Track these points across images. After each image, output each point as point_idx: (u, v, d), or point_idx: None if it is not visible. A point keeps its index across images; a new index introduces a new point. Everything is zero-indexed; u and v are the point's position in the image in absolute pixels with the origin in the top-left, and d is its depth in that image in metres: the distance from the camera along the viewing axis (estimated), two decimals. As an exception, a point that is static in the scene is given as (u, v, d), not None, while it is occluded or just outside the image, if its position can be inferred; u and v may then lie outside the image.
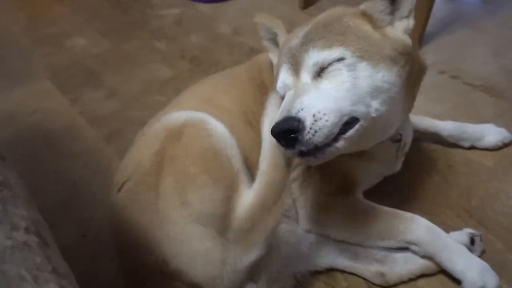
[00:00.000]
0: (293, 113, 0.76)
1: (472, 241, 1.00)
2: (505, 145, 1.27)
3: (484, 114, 1.37)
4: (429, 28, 1.73)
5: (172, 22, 2.08)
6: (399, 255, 0.99)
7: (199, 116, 0.91)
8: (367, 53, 0.80)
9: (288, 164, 0.87)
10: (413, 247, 0.97)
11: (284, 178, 0.87)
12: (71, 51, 1.94)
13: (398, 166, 1.08)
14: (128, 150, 1.04)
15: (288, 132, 0.75)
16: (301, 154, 0.79)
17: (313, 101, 0.77)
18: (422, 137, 1.28)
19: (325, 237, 1.01)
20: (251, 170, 0.97)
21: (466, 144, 1.27)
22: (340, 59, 0.79)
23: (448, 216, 1.11)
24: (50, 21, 2.21)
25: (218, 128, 0.89)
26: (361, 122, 0.81)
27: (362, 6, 0.86)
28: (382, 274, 0.97)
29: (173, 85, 1.67)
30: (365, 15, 0.85)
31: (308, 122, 0.75)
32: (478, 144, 1.27)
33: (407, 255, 0.99)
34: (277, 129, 0.76)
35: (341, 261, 1.00)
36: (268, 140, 0.88)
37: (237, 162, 0.87)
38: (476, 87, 1.51)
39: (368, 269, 0.98)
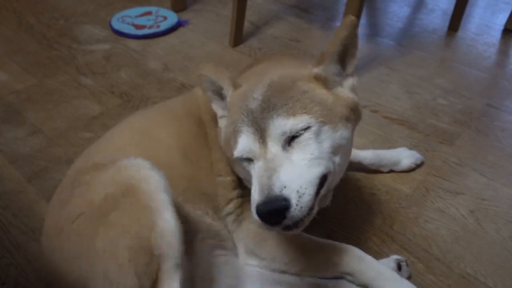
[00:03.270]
0: (277, 191, 0.77)
1: (399, 267, 1.06)
2: (417, 166, 1.41)
3: (401, 145, 1.48)
4: (349, 66, 1.86)
5: (100, 57, 2.04)
6: (331, 284, 1.02)
7: (157, 194, 0.83)
8: (327, 117, 0.85)
9: None
10: (348, 277, 1.01)
11: None
12: (-10, 86, 1.84)
13: (328, 200, 1.13)
14: (59, 187, 0.99)
15: (276, 212, 0.76)
16: (286, 228, 0.80)
17: (292, 177, 0.79)
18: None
19: (262, 268, 1.03)
20: (187, 205, 0.97)
21: (385, 169, 1.38)
22: (307, 128, 0.83)
23: (374, 242, 1.17)
24: (-34, 55, 2.09)
25: (165, 220, 0.81)
26: (328, 179, 0.87)
27: (316, 70, 0.90)
28: None
29: (101, 121, 1.63)
30: (318, 78, 0.90)
31: (293, 200, 0.77)
32: (395, 168, 1.39)
33: (340, 283, 1.02)
34: (265, 211, 0.76)
35: None
36: None
37: (167, 263, 0.81)
38: (393, 120, 1.64)
39: None
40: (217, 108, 1.01)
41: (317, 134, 0.84)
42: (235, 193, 1.03)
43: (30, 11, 2.46)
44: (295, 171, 0.80)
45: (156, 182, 0.85)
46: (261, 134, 0.84)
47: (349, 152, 0.96)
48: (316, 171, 0.82)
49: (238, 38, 2.12)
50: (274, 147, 0.83)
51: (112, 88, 1.83)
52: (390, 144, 1.50)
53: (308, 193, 0.79)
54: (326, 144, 0.85)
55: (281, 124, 0.83)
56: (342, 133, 0.87)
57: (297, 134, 0.83)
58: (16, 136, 1.56)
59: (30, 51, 2.10)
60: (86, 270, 0.81)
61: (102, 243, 0.80)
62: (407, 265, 1.07)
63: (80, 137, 1.55)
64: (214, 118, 1.04)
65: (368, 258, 1.01)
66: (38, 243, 1.11)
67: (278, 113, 0.83)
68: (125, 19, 2.32)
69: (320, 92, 0.88)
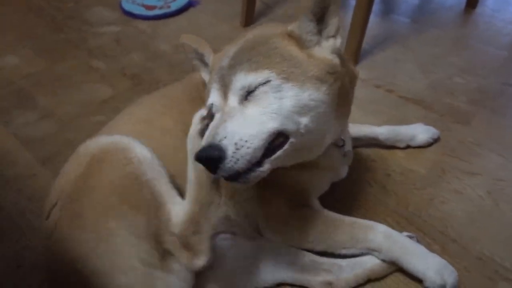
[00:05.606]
0: (217, 140, 0.77)
1: None
2: (434, 141, 1.39)
3: (417, 125, 1.45)
4: (364, 45, 1.82)
5: (111, 40, 2.03)
6: (345, 263, 1.02)
7: (121, 142, 0.90)
8: (292, 75, 0.82)
9: (214, 182, 0.88)
10: (374, 254, 1.01)
11: (209, 195, 0.87)
12: (2, 71, 1.84)
13: (344, 172, 1.12)
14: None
15: (210, 159, 0.76)
16: (225, 178, 0.80)
17: (236, 128, 0.78)
18: (362, 143, 1.35)
19: (286, 247, 1.03)
20: None
21: (402, 144, 1.36)
22: (266, 82, 0.81)
23: (388, 223, 1.16)
24: (-22, 40, 2.09)
25: (138, 152, 0.88)
26: (291, 140, 0.84)
27: (290, 27, 0.88)
28: (329, 283, 0.99)
29: (113, 104, 1.63)
30: (292, 36, 0.87)
31: (229, 151, 0.76)
32: (412, 143, 1.37)
33: (353, 261, 1.02)
34: (199, 156, 0.77)
35: (289, 275, 1.01)
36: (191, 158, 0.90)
37: (160, 182, 0.87)
38: (408, 100, 1.60)
39: (316, 279, 1.00)
40: (205, 75, 1.03)
41: (277, 89, 0.81)
42: None
43: (40, -6, 2.44)
44: (241, 123, 0.79)
45: (130, 140, 0.91)
46: (225, 89, 0.85)
47: (324, 116, 0.88)
48: (267, 126, 0.80)
49: (249, 18, 2.09)
50: (232, 100, 0.83)
51: (123, 71, 1.82)
52: (405, 124, 1.46)
53: (248, 146, 0.77)
54: (289, 102, 0.81)
55: (241, 78, 0.82)
56: (310, 94, 0.83)
57: (255, 89, 0.82)
58: (28, 121, 1.57)
59: (40, 35, 2.09)
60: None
61: (92, 216, 0.83)
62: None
63: (92, 120, 1.55)
64: None
65: (395, 233, 1.01)
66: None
67: (241, 68, 0.83)
68: (135, 0, 2.30)
69: (291, 49, 0.85)
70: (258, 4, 2.16)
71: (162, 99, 1.12)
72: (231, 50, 0.88)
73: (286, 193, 1.02)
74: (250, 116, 0.80)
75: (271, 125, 0.80)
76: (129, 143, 0.90)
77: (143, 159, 0.88)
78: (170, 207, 0.87)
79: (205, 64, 1.02)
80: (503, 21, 2.11)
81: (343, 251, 1.02)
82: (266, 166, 0.81)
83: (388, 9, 2.24)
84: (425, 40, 1.97)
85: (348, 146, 1.11)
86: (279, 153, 0.83)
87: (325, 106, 0.86)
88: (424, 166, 1.33)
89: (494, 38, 1.98)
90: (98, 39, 2.04)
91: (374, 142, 1.36)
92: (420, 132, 1.38)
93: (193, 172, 0.88)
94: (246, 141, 0.77)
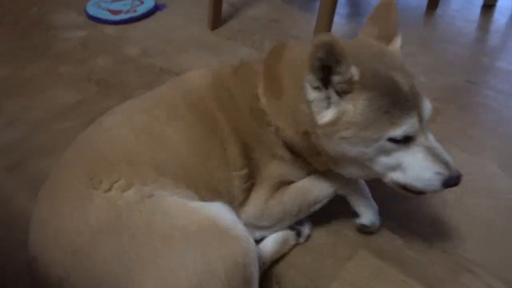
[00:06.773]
0: (456, 169, 0.94)
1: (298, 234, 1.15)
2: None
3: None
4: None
5: (77, 45, 2.00)
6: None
7: (241, 227, 0.90)
8: None
9: None
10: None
11: None
12: (-37, 78, 1.79)
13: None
14: (58, 176, 0.93)
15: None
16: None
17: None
18: None
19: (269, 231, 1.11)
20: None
21: None
22: None
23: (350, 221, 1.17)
24: None
25: (254, 248, 0.90)
26: None
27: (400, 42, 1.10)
28: None
29: (81, 109, 1.60)
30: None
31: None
32: None
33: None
34: (456, 182, 0.94)
35: None
36: None
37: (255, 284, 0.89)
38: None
39: None
40: (315, 79, 0.90)
41: None
42: (248, 184, 1.05)
43: None
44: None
45: (231, 216, 0.91)
46: (420, 121, 0.93)
47: None
48: None
49: (216, 20, 2.09)
50: (429, 133, 0.97)
51: (90, 76, 1.79)
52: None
53: None
54: None
55: (428, 108, 0.96)
56: None
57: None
58: (-8, 128, 1.53)
59: (4, 41, 2.04)
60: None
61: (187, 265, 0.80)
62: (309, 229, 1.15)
63: (59, 127, 1.52)
64: (225, 103, 1.02)
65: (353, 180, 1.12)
66: (16, 237, 1.09)
67: (425, 101, 0.95)
68: (100, 5, 2.27)
69: None
70: (225, 6, 2.17)
71: (161, 105, 1.05)
72: (397, 75, 0.93)
73: (273, 182, 1.07)
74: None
75: None
76: (246, 232, 0.90)
77: (255, 257, 0.89)
78: None
79: (328, 68, 0.88)
80: (464, 20, 2.17)
81: (317, 206, 1.10)
82: None
83: (354, 12, 2.28)
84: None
85: None
86: None
87: None
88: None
89: (456, 37, 2.04)
90: (64, 44, 2.01)
91: None
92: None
93: None
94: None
